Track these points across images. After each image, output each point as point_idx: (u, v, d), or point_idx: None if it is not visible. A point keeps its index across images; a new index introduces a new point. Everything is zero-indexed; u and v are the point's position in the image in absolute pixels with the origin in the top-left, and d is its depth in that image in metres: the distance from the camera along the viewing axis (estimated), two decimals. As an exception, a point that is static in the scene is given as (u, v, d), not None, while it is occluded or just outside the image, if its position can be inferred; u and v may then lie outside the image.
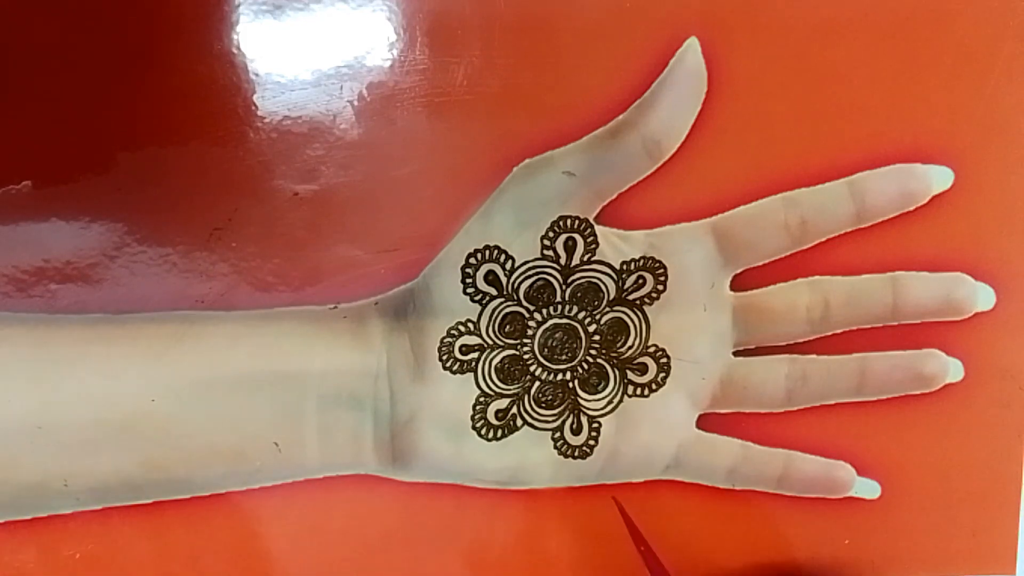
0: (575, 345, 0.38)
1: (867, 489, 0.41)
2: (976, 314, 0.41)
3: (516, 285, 0.37)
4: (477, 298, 0.37)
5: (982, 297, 0.41)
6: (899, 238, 0.39)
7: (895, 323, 0.40)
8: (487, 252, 0.36)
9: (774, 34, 0.36)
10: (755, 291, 0.39)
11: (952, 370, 0.41)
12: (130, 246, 0.34)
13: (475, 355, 0.37)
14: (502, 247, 0.37)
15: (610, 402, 0.39)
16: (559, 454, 0.39)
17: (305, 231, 0.35)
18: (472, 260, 0.36)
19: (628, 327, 0.38)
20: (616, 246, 0.37)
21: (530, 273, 0.37)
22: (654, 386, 0.39)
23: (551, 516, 0.40)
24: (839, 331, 0.40)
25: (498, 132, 0.35)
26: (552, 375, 0.38)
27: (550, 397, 0.38)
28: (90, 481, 0.35)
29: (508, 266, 0.37)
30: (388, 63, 0.34)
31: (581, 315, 0.38)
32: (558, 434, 0.39)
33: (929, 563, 0.43)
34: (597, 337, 0.38)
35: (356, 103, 0.34)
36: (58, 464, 0.35)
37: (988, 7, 0.37)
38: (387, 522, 0.38)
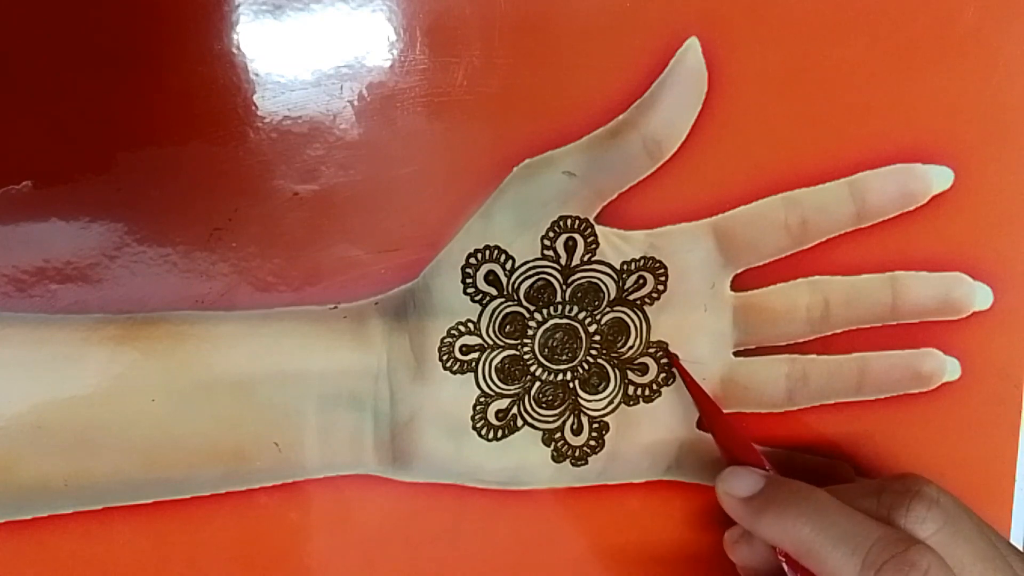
0: (575, 345, 0.38)
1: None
2: (973, 313, 0.41)
3: (516, 285, 0.37)
4: (477, 298, 0.37)
5: (980, 296, 0.41)
6: (898, 238, 0.39)
7: (894, 323, 0.40)
8: (487, 252, 0.36)
9: (774, 34, 0.36)
10: (755, 291, 0.39)
11: (949, 369, 0.41)
12: (130, 246, 0.34)
13: (475, 355, 0.37)
14: (502, 247, 0.37)
15: (611, 402, 0.39)
16: (559, 455, 0.39)
17: (305, 231, 0.35)
18: (472, 260, 0.36)
19: (629, 327, 0.38)
20: (616, 246, 0.37)
21: (530, 273, 0.37)
22: (655, 386, 0.39)
23: (551, 517, 0.40)
24: (839, 331, 0.40)
25: (498, 132, 0.35)
26: (552, 375, 0.38)
27: (550, 397, 0.38)
28: (90, 481, 0.35)
29: (508, 266, 0.37)
30: (388, 63, 0.34)
31: (581, 315, 0.38)
32: (559, 434, 0.39)
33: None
34: (598, 337, 0.38)
35: (356, 103, 0.34)
36: (58, 464, 0.35)
37: (989, 7, 0.37)
38: (387, 522, 0.38)
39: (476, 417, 0.38)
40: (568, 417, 0.39)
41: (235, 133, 0.33)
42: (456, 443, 0.38)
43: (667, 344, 0.39)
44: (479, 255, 0.36)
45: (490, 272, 0.37)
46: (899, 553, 0.32)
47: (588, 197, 0.37)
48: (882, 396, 0.41)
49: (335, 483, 0.38)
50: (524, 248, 0.37)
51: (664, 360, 0.39)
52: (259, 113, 0.33)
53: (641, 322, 0.38)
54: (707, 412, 0.39)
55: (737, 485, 0.37)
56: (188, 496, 0.37)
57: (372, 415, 0.37)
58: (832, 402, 0.41)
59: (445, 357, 0.37)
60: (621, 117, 0.36)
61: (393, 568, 0.39)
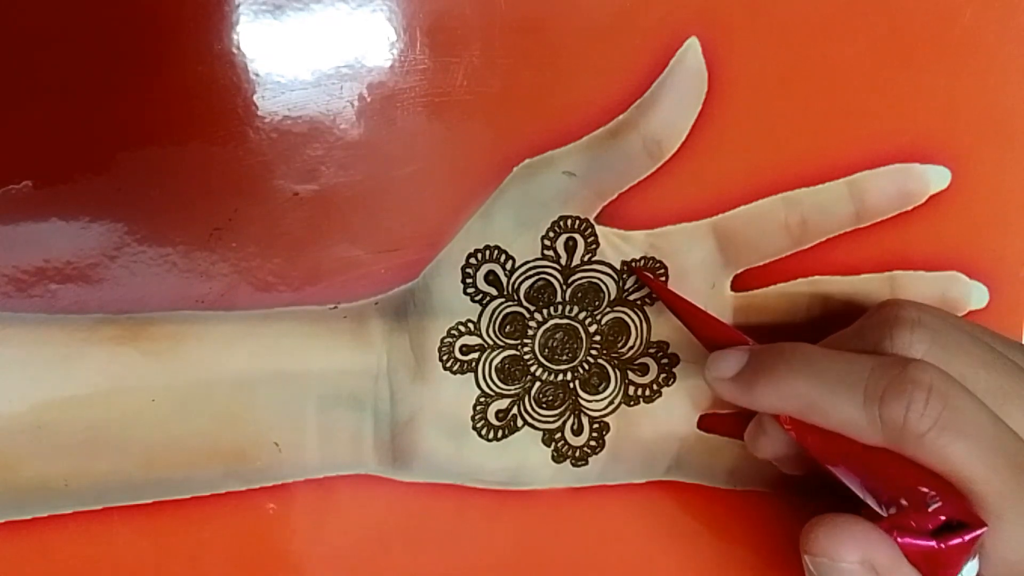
0: (576, 345, 0.38)
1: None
2: (970, 312, 0.41)
3: (516, 285, 0.37)
4: (477, 298, 0.37)
5: (976, 295, 0.41)
6: (897, 237, 0.39)
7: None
8: (487, 252, 0.36)
9: (774, 34, 0.36)
10: (755, 291, 0.39)
11: None
12: (130, 246, 0.34)
13: (475, 355, 0.37)
14: (502, 247, 0.37)
15: (611, 403, 0.39)
16: (559, 455, 0.39)
17: (305, 231, 0.35)
18: (472, 260, 0.36)
19: (629, 327, 0.38)
20: (617, 246, 0.37)
21: (530, 273, 0.37)
22: (655, 387, 0.39)
23: (552, 517, 0.40)
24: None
25: (498, 132, 0.35)
26: (553, 375, 0.38)
27: (551, 397, 0.38)
28: (90, 481, 0.35)
29: (508, 266, 0.37)
30: (388, 63, 0.34)
31: (582, 315, 0.38)
32: (559, 435, 0.39)
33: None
34: (598, 337, 0.38)
35: (356, 103, 0.34)
36: (58, 464, 0.35)
37: (988, 7, 0.37)
38: (387, 522, 0.38)
39: (476, 417, 0.38)
40: (568, 417, 0.39)
41: (235, 133, 0.33)
42: (456, 443, 0.38)
43: (667, 344, 0.39)
44: (479, 255, 0.36)
45: (490, 272, 0.37)
46: (897, 374, 0.31)
47: (588, 197, 0.36)
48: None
49: (335, 483, 0.38)
50: (524, 248, 0.37)
51: (664, 361, 0.39)
52: (259, 113, 0.33)
53: (641, 322, 0.38)
54: (681, 308, 0.37)
55: (722, 366, 0.35)
56: (188, 496, 0.36)
57: (372, 415, 0.37)
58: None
59: (445, 357, 0.37)
60: (621, 117, 0.36)
61: (393, 568, 0.39)
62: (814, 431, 0.33)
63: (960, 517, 0.31)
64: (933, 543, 0.31)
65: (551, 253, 0.37)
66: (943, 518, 0.31)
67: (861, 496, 0.33)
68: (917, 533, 0.31)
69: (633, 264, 0.38)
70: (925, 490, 0.31)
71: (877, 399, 0.31)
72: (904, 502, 0.32)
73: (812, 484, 0.40)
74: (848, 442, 0.32)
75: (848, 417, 0.32)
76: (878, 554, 0.31)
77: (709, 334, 0.37)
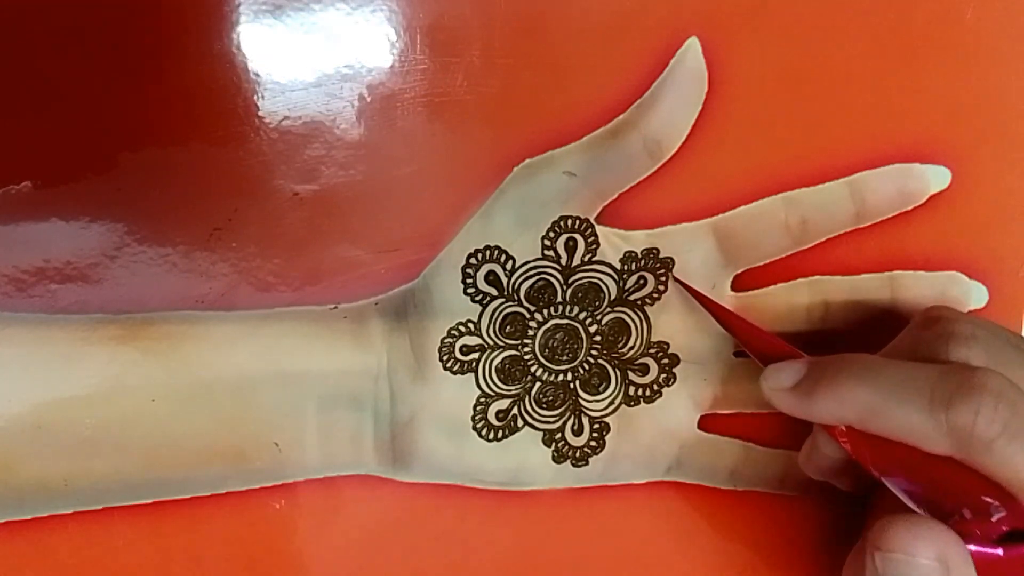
0: (576, 346, 0.38)
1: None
2: (968, 312, 0.41)
3: (517, 285, 0.37)
4: (478, 298, 0.37)
5: (975, 295, 0.41)
6: (897, 237, 0.39)
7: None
8: (488, 252, 0.36)
9: (774, 34, 0.36)
10: (755, 291, 0.39)
11: None
12: (130, 246, 0.34)
13: (476, 355, 0.37)
14: (503, 247, 0.36)
15: (611, 403, 0.39)
16: (560, 456, 0.39)
17: (305, 231, 0.35)
18: (473, 260, 0.36)
19: (629, 328, 0.38)
20: (617, 246, 0.37)
21: (531, 273, 0.37)
22: (656, 387, 0.39)
23: (552, 517, 0.40)
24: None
25: (498, 132, 0.35)
26: (553, 376, 0.38)
27: (551, 398, 0.38)
28: (90, 481, 0.35)
29: (509, 266, 0.37)
30: (388, 63, 0.34)
31: (582, 315, 0.38)
32: (559, 435, 0.39)
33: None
34: (598, 338, 0.38)
35: (356, 103, 0.34)
36: (58, 464, 0.35)
37: (990, 8, 0.37)
38: (387, 522, 0.38)
39: (476, 417, 0.38)
40: (569, 418, 0.39)
41: (235, 133, 0.33)
42: (456, 443, 0.38)
43: (668, 344, 0.39)
44: (479, 255, 0.36)
45: (490, 272, 0.37)
46: (965, 380, 0.31)
47: (588, 197, 0.36)
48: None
49: (335, 483, 0.38)
50: (524, 248, 0.37)
51: (665, 361, 0.39)
52: (259, 113, 0.33)
53: (642, 322, 0.38)
54: (729, 322, 0.37)
55: (782, 377, 0.35)
56: (188, 496, 0.36)
57: (372, 415, 0.37)
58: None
59: (445, 357, 0.37)
60: (621, 117, 0.36)
61: (393, 568, 0.39)
62: (871, 442, 0.33)
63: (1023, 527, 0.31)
64: (999, 551, 0.31)
65: (551, 253, 0.37)
66: (1005, 528, 0.31)
67: (915, 509, 0.33)
68: (982, 540, 0.31)
69: (674, 277, 0.38)
70: (989, 500, 0.31)
71: (945, 404, 0.31)
72: (967, 512, 0.32)
73: (814, 487, 0.40)
74: (908, 451, 0.32)
75: (913, 423, 0.31)
76: (952, 554, 0.31)
77: (763, 349, 0.37)
